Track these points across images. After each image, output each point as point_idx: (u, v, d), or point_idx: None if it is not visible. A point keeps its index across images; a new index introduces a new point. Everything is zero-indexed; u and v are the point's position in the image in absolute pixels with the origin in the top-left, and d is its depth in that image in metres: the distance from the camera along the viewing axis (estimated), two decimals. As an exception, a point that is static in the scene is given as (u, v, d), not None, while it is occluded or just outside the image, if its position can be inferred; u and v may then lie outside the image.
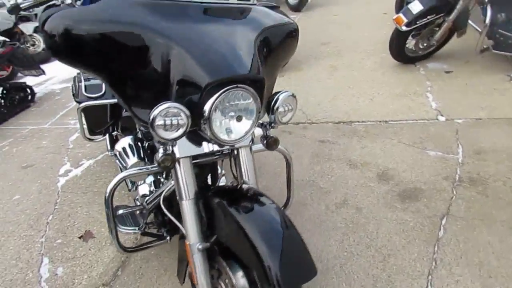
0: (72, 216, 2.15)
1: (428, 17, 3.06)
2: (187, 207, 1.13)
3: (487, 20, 2.93)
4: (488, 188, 1.92)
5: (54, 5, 1.22)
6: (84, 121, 2.10)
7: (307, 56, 4.26)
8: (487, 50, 3.07)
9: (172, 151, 1.08)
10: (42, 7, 1.33)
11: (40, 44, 6.19)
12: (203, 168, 1.33)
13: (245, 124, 1.09)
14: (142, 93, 1.07)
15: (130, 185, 1.83)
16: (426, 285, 1.49)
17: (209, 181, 1.40)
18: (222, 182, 1.56)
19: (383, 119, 2.73)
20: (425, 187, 2.00)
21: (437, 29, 3.24)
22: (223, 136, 1.05)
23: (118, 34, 1.00)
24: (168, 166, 1.04)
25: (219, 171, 1.43)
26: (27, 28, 6.14)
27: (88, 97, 1.96)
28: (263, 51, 1.19)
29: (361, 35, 4.68)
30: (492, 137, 2.32)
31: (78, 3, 1.27)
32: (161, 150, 1.05)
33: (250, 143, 1.21)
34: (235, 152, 1.22)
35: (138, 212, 1.52)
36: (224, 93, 0.98)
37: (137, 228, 1.50)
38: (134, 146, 1.57)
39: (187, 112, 0.97)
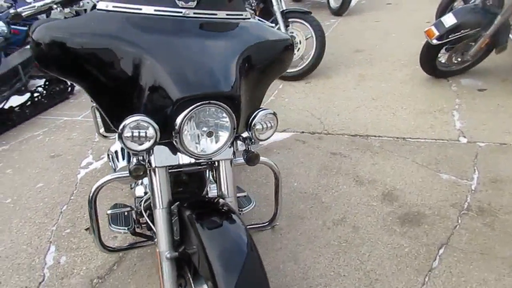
0: (84, 208, 2.27)
1: (462, 31, 2.90)
2: (159, 216, 1.17)
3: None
4: (497, 221, 1.81)
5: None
6: (99, 119, 2.21)
7: (338, 64, 4.19)
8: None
9: (149, 160, 1.13)
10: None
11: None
12: (193, 176, 1.37)
13: (219, 139, 1.11)
14: (117, 104, 1.12)
15: (133, 185, 1.91)
16: (406, 317, 1.44)
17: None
18: (214, 190, 1.60)
19: (401, 135, 2.64)
20: (429, 212, 1.92)
21: (473, 43, 3.06)
22: (194, 150, 1.08)
23: (97, 46, 1.06)
24: (140, 175, 1.09)
25: (208, 180, 1.46)
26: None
27: None
28: (246, 66, 1.20)
29: (398, 44, 4.53)
30: (513, 165, 2.18)
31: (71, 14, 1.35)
32: (134, 160, 1.10)
33: (232, 157, 1.23)
34: (216, 164, 1.24)
35: (127, 212, 1.58)
36: (195, 109, 1.02)
37: (126, 228, 1.57)
38: (125, 150, 1.64)
39: (155, 126, 1.01)
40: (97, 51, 1.06)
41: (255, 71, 1.27)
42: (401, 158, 2.40)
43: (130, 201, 2.18)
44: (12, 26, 4.17)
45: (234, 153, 1.23)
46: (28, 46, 3.99)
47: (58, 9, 1.29)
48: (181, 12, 1.14)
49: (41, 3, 1.34)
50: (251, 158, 1.23)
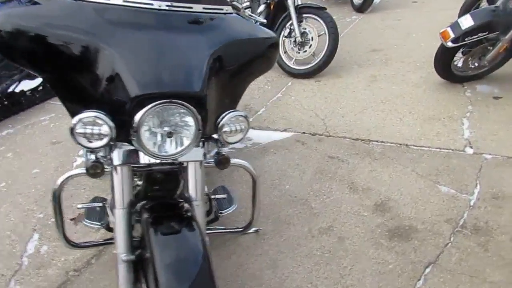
0: (75, 197, 2.27)
1: (479, 34, 2.73)
2: (118, 216, 1.13)
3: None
4: (491, 242, 1.69)
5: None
6: None
7: (351, 63, 4.06)
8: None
9: (110, 158, 1.08)
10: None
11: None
12: (169, 175, 1.32)
13: (181, 140, 1.05)
14: (76, 97, 1.08)
15: None
16: None
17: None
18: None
19: (404, 142, 2.52)
20: (421, 227, 1.82)
21: (490, 48, 2.88)
22: (155, 150, 1.03)
23: (57, 36, 1.03)
24: (98, 173, 1.05)
25: (180, 181, 1.41)
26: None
27: None
28: (220, 64, 1.14)
29: (417, 45, 4.34)
30: (519, 182, 2.04)
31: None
32: (92, 157, 1.05)
33: (202, 158, 1.17)
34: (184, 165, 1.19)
35: (99, 207, 1.55)
36: (155, 107, 0.96)
37: (99, 223, 1.54)
38: None
39: (111, 123, 0.97)
40: (59, 42, 1.03)
41: (231, 69, 1.21)
42: (401, 166, 2.28)
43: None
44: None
45: (205, 155, 1.17)
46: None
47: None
48: (152, 4, 1.09)
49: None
50: (221, 161, 1.18)
